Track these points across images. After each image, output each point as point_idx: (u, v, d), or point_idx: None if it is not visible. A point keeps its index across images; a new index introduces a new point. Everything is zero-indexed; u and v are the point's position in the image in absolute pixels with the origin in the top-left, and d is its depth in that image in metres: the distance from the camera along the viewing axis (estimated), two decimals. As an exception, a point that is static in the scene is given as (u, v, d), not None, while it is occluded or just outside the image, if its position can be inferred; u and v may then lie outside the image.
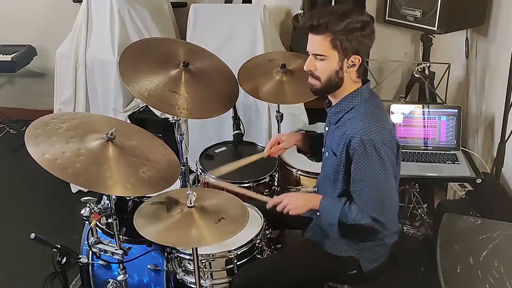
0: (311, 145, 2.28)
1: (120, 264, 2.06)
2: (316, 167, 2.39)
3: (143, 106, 3.57)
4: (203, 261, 2.05)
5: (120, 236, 2.03)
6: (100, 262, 2.19)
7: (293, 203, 2.01)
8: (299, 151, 2.34)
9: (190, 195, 1.85)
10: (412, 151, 2.92)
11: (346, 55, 1.85)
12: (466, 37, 3.30)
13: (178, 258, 2.12)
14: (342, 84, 1.91)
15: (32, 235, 1.98)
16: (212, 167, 2.59)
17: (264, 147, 2.79)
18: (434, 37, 3.27)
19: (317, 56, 1.88)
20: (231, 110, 2.61)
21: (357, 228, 1.89)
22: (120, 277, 2.07)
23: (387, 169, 1.85)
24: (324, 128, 2.09)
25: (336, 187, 1.99)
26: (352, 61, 1.86)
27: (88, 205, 2.05)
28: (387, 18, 3.33)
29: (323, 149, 2.09)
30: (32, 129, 1.79)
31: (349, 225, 1.90)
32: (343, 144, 1.89)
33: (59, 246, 2.05)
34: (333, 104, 1.98)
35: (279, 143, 2.26)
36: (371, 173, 1.84)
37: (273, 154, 2.31)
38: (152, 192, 1.88)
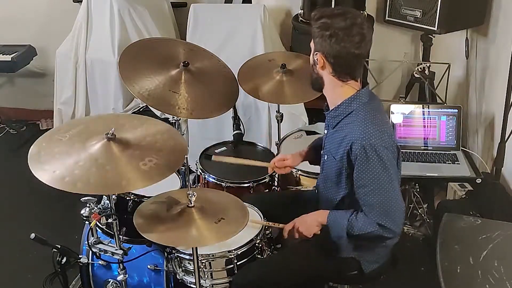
0: (318, 156, 2.28)
1: (120, 264, 2.06)
2: (316, 167, 2.38)
3: (143, 106, 3.56)
4: (203, 261, 2.05)
5: (120, 236, 2.03)
6: (100, 262, 2.19)
7: (303, 224, 2.03)
8: (311, 163, 2.37)
9: (190, 195, 1.85)
10: (412, 151, 2.92)
11: (314, 50, 1.92)
12: (466, 37, 3.30)
13: (178, 258, 2.12)
14: (324, 82, 1.95)
15: (32, 235, 1.98)
16: (212, 167, 2.60)
17: (264, 147, 2.82)
18: (434, 37, 3.27)
19: None
20: (231, 110, 2.60)
21: (365, 237, 1.90)
22: (120, 277, 2.07)
23: (390, 173, 1.85)
24: (324, 131, 2.09)
25: (340, 189, 1.99)
26: (316, 58, 1.91)
27: (88, 205, 2.05)
28: (387, 18, 3.33)
29: (322, 151, 2.09)
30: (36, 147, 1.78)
31: (357, 236, 1.91)
32: (343, 149, 1.90)
33: (59, 246, 2.05)
34: (331, 108, 1.98)
35: (284, 160, 2.30)
36: (374, 178, 1.84)
37: (277, 170, 2.34)
38: (156, 181, 1.85)
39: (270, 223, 2.18)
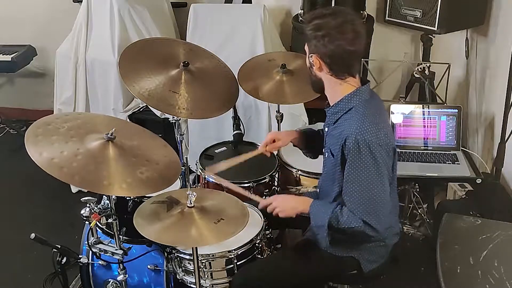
0: (306, 142, 2.30)
1: (120, 264, 2.06)
2: (316, 167, 2.39)
3: (143, 106, 3.57)
4: (203, 261, 2.05)
5: (120, 236, 2.03)
6: (100, 262, 2.19)
7: (282, 205, 2.03)
8: (294, 145, 2.36)
9: (190, 195, 1.85)
10: (412, 151, 2.92)
11: (309, 52, 1.91)
12: (466, 37, 3.30)
13: (178, 258, 2.12)
14: (323, 83, 1.95)
15: (32, 235, 1.98)
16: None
17: (264, 147, 2.81)
18: (434, 37, 3.27)
19: None
20: (231, 110, 2.61)
21: (348, 231, 1.89)
22: (120, 277, 2.07)
23: (381, 171, 1.84)
24: (324, 128, 2.09)
25: (335, 186, 1.98)
26: (312, 60, 1.90)
27: (88, 205, 2.05)
28: (387, 18, 3.33)
29: (323, 149, 2.10)
30: (34, 128, 1.79)
31: (339, 229, 1.89)
32: (339, 144, 1.90)
33: (59, 246, 2.05)
34: (331, 105, 1.98)
35: (274, 141, 2.28)
36: (364, 174, 1.83)
37: (267, 152, 2.31)
38: (149, 192, 1.89)
39: (247, 193, 2.18)
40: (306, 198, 2.04)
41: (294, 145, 2.35)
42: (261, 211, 2.23)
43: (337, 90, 1.94)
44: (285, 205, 2.03)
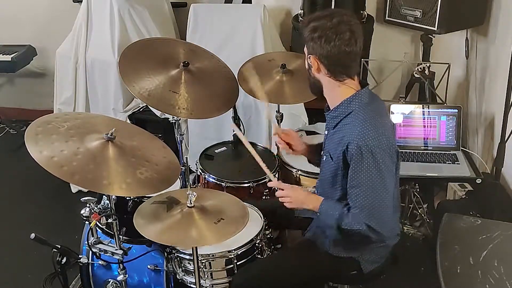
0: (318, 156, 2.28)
1: (120, 264, 2.06)
2: (316, 167, 2.39)
3: (143, 106, 3.57)
4: (203, 261, 2.05)
5: (120, 236, 2.03)
6: (100, 262, 2.19)
7: (293, 197, 2.01)
8: (309, 160, 2.35)
9: (190, 195, 1.85)
10: (412, 151, 2.92)
11: (307, 54, 1.93)
12: (466, 37, 3.29)
13: (178, 258, 2.12)
14: (321, 85, 1.96)
15: (32, 235, 1.98)
16: (212, 167, 2.60)
17: (264, 148, 2.81)
18: (434, 37, 3.27)
19: None
20: (231, 110, 2.61)
21: (352, 233, 1.89)
22: (120, 277, 2.07)
23: (383, 175, 1.85)
24: (324, 131, 2.09)
25: (335, 191, 1.99)
26: (310, 61, 1.92)
27: (88, 205, 2.05)
28: (387, 18, 3.32)
29: (322, 152, 2.10)
30: (34, 127, 1.80)
31: (344, 229, 1.90)
32: (340, 149, 1.90)
33: (59, 246, 2.05)
34: (331, 109, 1.98)
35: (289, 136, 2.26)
36: (367, 179, 1.84)
37: (278, 139, 2.26)
38: (149, 193, 1.89)
39: (266, 168, 2.15)
40: (317, 197, 2.03)
41: (309, 161, 2.34)
42: (263, 212, 2.24)
43: (336, 92, 1.94)
44: (296, 197, 2.01)
